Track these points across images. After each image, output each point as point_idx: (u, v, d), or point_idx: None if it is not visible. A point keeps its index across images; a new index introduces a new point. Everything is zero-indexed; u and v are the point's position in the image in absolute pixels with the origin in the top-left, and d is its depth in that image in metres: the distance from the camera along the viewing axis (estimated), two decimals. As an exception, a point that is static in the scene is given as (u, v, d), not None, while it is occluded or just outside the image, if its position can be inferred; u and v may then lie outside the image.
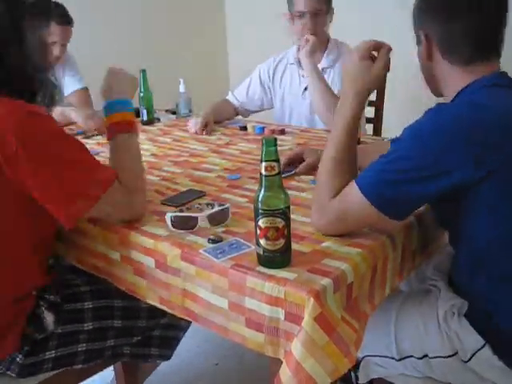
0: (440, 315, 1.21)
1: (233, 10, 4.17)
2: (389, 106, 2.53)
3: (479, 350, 1.17)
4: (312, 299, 0.98)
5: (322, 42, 2.29)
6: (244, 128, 2.24)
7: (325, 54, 2.32)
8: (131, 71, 1.51)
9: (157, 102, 2.43)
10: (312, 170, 1.58)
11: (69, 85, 2.61)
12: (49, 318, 1.30)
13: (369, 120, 2.48)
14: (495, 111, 1.08)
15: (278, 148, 1.04)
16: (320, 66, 2.29)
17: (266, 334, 1.06)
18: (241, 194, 1.47)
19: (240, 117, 2.52)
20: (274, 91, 2.48)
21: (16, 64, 1.19)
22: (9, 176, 1.13)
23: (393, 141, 1.19)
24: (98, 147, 2.00)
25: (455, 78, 1.18)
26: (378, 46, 1.20)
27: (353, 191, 1.13)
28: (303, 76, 2.34)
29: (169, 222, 1.25)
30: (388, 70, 1.20)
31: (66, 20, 2.43)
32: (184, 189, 1.52)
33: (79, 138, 2.05)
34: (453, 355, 1.19)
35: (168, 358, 1.61)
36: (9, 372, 1.30)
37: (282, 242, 1.06)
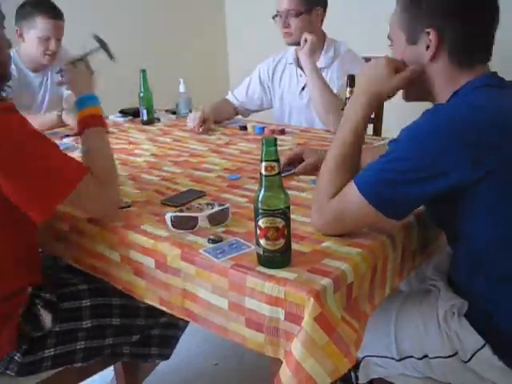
0: (440, 315, 1.21)
1: (233, 10, 4.17)
2: (389, 106, 2.52)
3: (479, 350, 1.17)
4: (312, 299, 0.98)
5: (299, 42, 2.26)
6: (244, 128, 2.24)
7: (322, 54, 2.32)
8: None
9: (157, 102, 2.43)
10: (312, 170, 1.58)
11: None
12: (46, 316, 1.30)
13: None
14: (488, 111, 1.08)
15: (278, 148, 1.04)
16: (318, 66, 2.30)
17: (266, 334, 1.06)
18: (241, 194, 1.47)
19: (240, 116, 2.53)
20: (274, 91, 2.48)
21: None
22: None
23: (391, 142, 1.19)
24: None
25: (452, 80, 1.16)
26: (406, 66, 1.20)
27: (351, 191, 1.13)
28: (301, 75, 2.35)
29: (169, 222, 1.25)
30: (405, 86, 1.21)
31: (57, 14, 2.39)
32: (184, 189, 1.52)
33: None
34: (453, 355, 1.19)
35: (167, 357, 1.62)
36: (8, 371, 1.30)
37: (281, 242, 1.06)
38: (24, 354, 1.29)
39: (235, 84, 2.61)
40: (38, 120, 2.15)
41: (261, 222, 1.05)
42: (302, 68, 2.29)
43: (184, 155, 1.88)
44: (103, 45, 1.60)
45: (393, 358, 1.27)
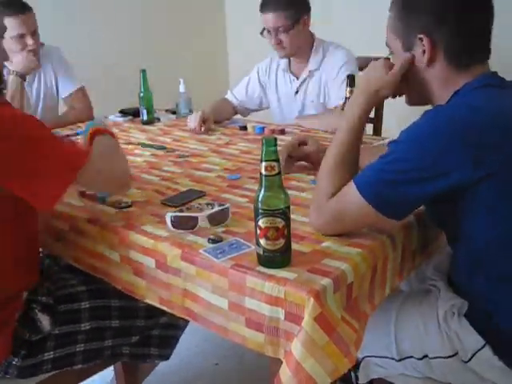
0: (440, 315, 1.21)
1: (233, 10, 4.16)
2: (389, 106, 2.53)
3: (479, 350, 1.16)
4: (312, 299, 0.98)
5: (298, 49, 2.29)
6: (244, 128, 2.24)
7: (311, 56, 2.33)
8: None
9: (157, 102, 2.43)
10: (310, 161, 1.62)
11: (65, 87, 2.57)
12: (44, 319, 1.30)
13: (369, 120, 2.47)
14: (488, 112, 1.08)
15: (278, 148, 1.05)
16: (307, 70, 2.34)
17: (266, 334, 1.06)
18: (241, 194, 1.47)
19: (240, 116, 2.53)
20: (271, 90, 2.49)
21: None
22: None
23: (390, 143, 1.19)
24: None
25: (451, 82, 1.16)
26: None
27: (351, 191, 1.13)
28: (293, 80, 2.40)
29: (169, 222, 1.25)
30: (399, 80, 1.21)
31: (21, 7, 2.28)
32: (184, 189, 1.52)
33: (79, 137, 2.05)
34: (453, 355, 1.19)
35: (167, 357, 1.61)
36: (8, 376, 1.30)
37: (281, 241, 1.06)
38: (23, 357, 1.29)
39: (235, 84, 2.62)
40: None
41: (261, 222, 1.05)
42: (293, 74, 2.38)
43: (184, 155, 1.88)
44: None
45: (393, 358, 1.27)
